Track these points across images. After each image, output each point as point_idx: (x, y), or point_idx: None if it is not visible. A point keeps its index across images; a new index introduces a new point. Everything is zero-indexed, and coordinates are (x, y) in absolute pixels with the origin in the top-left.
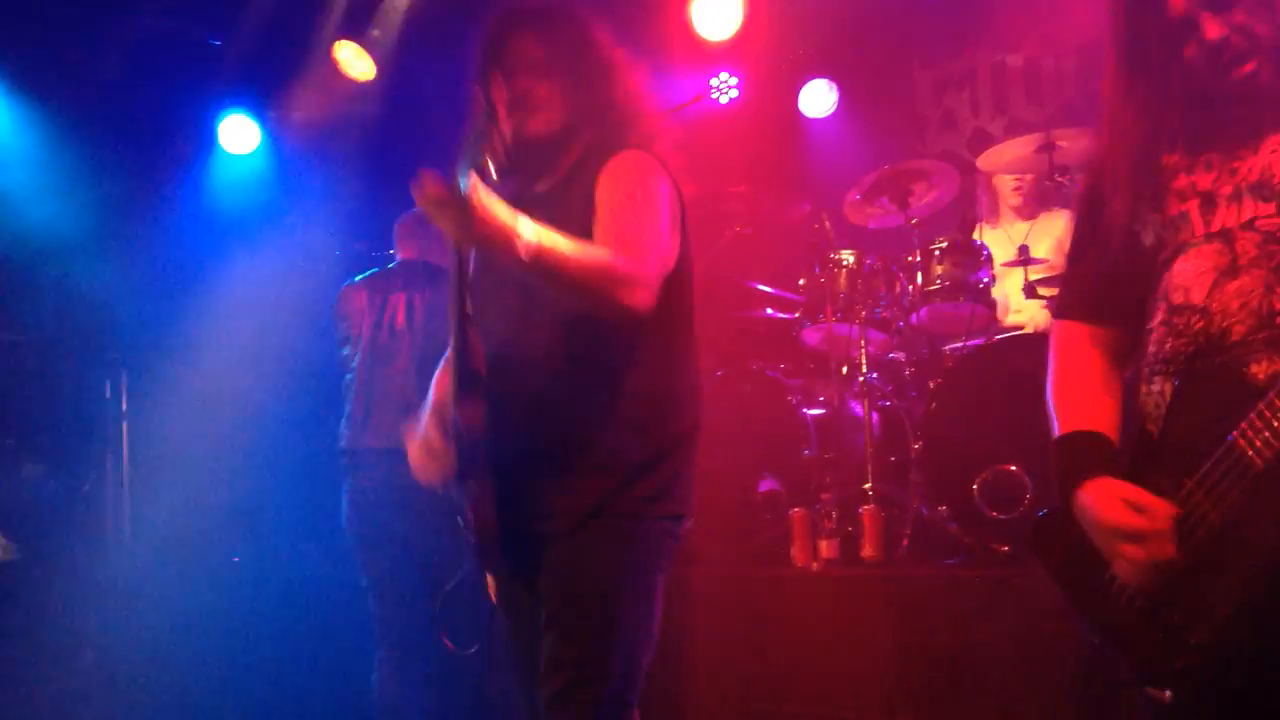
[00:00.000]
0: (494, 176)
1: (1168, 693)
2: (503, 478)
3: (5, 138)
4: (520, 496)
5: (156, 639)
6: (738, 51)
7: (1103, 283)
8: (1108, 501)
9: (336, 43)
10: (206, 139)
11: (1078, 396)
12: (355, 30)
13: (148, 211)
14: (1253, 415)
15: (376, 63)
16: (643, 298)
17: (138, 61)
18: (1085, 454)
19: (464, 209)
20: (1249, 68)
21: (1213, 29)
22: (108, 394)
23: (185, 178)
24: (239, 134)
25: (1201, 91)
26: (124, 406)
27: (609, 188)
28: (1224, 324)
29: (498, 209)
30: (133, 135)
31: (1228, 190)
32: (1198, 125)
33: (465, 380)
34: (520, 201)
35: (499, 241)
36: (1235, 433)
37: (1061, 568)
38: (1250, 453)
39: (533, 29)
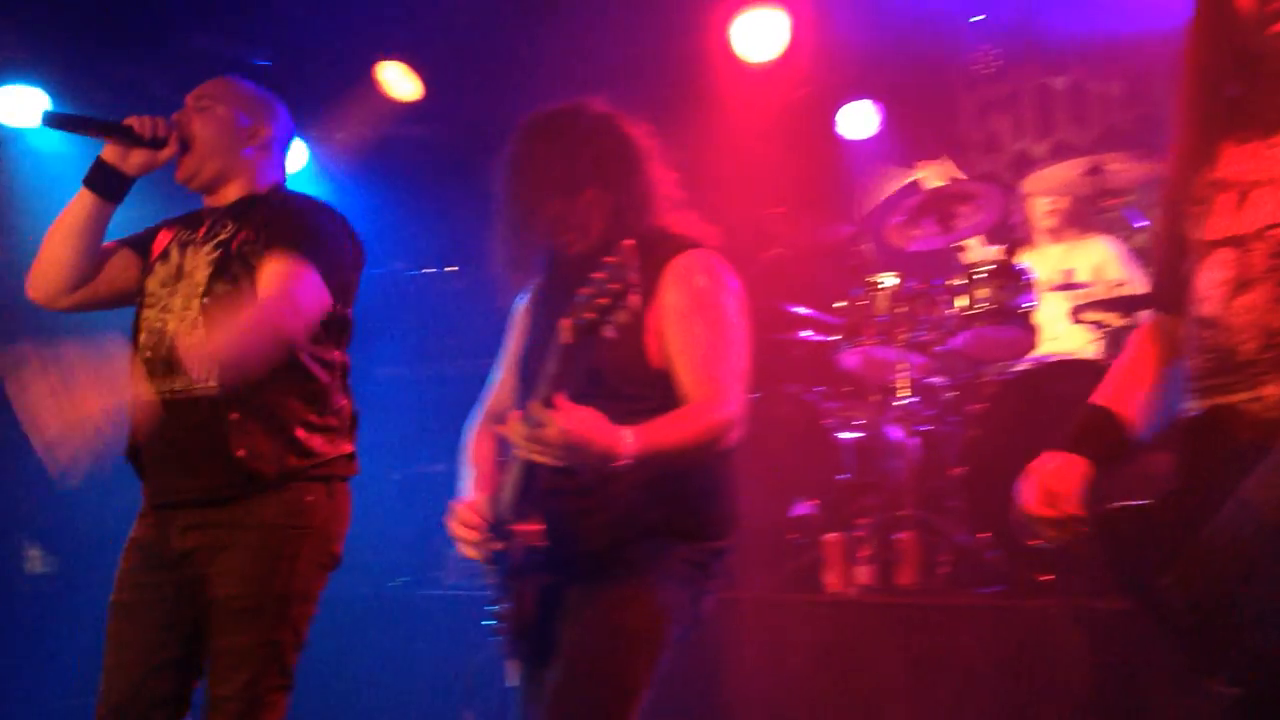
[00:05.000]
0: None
1: (1227, 687)
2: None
3: None
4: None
5: None
6: (778, 72)
7: (1167, 272)
8: (1034, 475)
9: (380, 63)
10: None
11: (1114, 375)
12: (403, 50)
13: None
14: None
15: (424, 82)
16: (736, 436)
17: (187, 80)
18: (1077, 425)
19: (561, 439)
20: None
21: None
22: None
23: None
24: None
25: (1249, 57)
26: None
27: (679, 305)
28: (1233, 341)
29: (595, 428)
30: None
31: (1260, 189)
32: (1246, 104)
33: (529, 495)
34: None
35: (598, 462)
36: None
37: (1121, 567)
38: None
39: (550, 147)
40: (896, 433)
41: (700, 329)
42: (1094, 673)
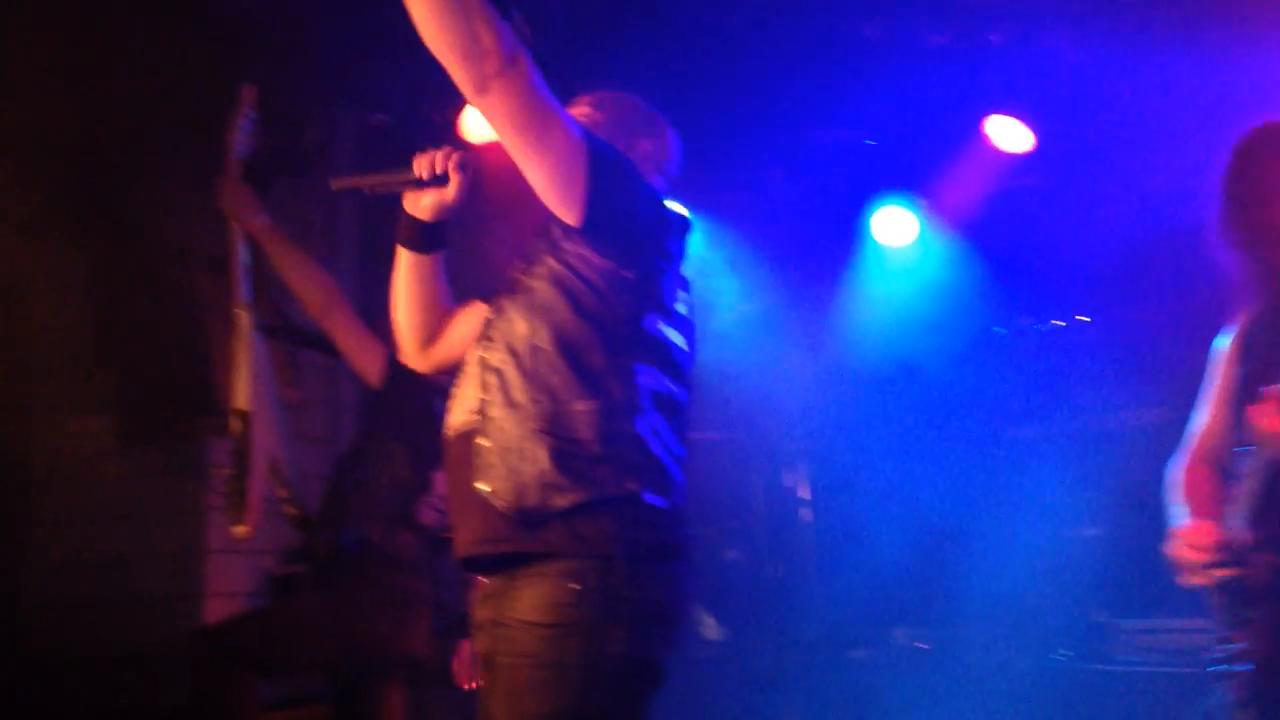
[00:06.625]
0: None
1: None
2: None
3: (701, 254)
4: None
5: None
6: None
7: None
8: None
9: (988, 118)
10: (861, 234)
11: None
12: (1010, 104)
13: (813, 313)
14: None
15: (1034, 131)
16: None
17: (813, 177)
18: None
19: None
20: None
21: None
22: (790, 484)
23: (849, 273)
24: (894, 226)
25: None
26: (807, 496)
27: None
28: None
29: None
30: (798, 239)
31: None
32: None
33: (1272, 516)
34: None
35: None
36: None
37: None
38: None
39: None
40: None
41: None
42: None
